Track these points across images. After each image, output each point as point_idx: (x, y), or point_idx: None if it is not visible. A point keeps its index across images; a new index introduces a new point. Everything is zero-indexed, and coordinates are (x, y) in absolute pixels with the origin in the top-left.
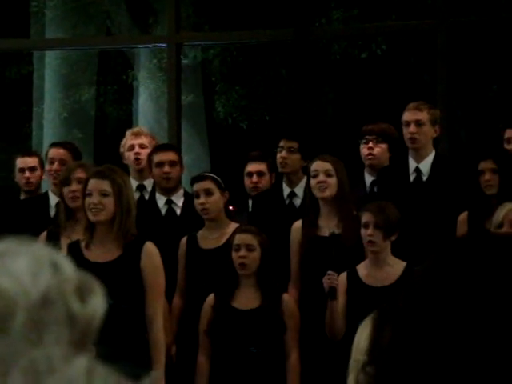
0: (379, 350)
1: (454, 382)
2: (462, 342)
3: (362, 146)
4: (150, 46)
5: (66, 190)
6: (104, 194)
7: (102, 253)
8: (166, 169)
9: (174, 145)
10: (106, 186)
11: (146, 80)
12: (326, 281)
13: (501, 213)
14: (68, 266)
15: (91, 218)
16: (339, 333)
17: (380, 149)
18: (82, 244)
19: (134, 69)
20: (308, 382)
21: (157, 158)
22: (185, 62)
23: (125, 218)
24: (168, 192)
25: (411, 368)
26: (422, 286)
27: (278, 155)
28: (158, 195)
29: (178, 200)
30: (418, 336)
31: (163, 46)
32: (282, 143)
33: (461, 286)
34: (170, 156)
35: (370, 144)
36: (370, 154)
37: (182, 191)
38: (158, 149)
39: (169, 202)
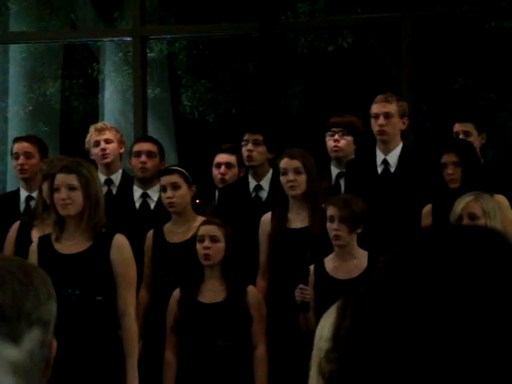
0: (339, 337)
1: (412, 370)
2: (418, 330)
3: (327, 139)
4: (115, 39)
5: (46, 185)
6: (72, 188)
7: (71, 245)
8: (143, 158)
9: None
10: (72, 180)
11: (111, 74)
12: (297, 294)
13: (459, 206)
14: None
15: (61, 212)
16: (311, 326)
17: (346, 141)
18: (53, 237)
19: (99, 62)
20: (276, 374)
21: (135, 147)
22: (151, 55)
23: (93, 210)
24: (144, 183)
25: (368, 356)
26: (382, 274)
27: (244, 149)
28: (134, 187)
29: (154, 194)
30: (376, 323)
31: (128, 39)
32: (246, 136)
33: (421, 275)
34: (148, 146)
35: (336, 136)
36: (335, 147)
37: (158, 185)
38: (138, 139)
39: (144, 196)
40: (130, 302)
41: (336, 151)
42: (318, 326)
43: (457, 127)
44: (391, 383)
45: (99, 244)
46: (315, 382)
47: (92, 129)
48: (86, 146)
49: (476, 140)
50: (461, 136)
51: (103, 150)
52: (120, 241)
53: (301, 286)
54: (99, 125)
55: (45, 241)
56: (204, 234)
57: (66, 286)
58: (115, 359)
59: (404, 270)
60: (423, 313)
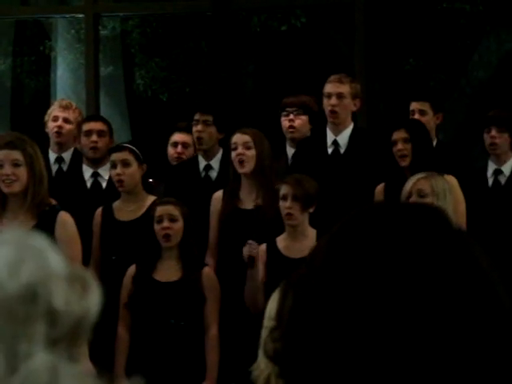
0: (282, 315)
1: (352, 347)
2: (358, 308)
3: (282, 119)
4: (67, 16)
5: None
6: (16, 164)
7: (15, 224)
8: (94, 138)
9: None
10: (17, 155)
11: (63, 51)
12: (245, 250)
13: (409, 183)
14: (56, 259)
15: (5, 189)
16: (260, 305)
17: (301, 121)
18: None
19: (51, 39)
20: (227, 354)
21: (86, 126)
22: (103, 32)
23: (38, 187)
24: (95, 163)
25: (310, 334)
26: (323, 252)
27: (194, 129)
28: (84, 167)
29: (105, 173)
30: (317, 301)
31: (81, 16)
32: (197, 116)
33: (359, 253)
34: (98, 126)
35: (291, 116)
36: (290, 127)
37: (108, 164)
38: (87, 118)
39: (95, 175)
40: None
41: (291, 131)
42: (267, 306)
43: (413, 105)
44: (332, 361)
45: (43, 222)
46: (263, 360)
47: (57, 103)
48: (46, 117)
49: (431, 119)
50: (416, 114)
51: (59, 127)
52: (64, 218)
53: (249, 241)
54: (65, 102)
55: None
56: (162, 214)
57: None
58: None
59: (343, 248)
60: (362, 290)
